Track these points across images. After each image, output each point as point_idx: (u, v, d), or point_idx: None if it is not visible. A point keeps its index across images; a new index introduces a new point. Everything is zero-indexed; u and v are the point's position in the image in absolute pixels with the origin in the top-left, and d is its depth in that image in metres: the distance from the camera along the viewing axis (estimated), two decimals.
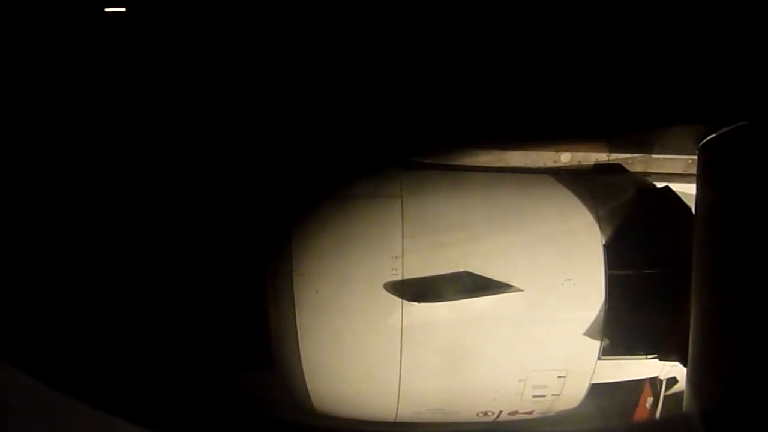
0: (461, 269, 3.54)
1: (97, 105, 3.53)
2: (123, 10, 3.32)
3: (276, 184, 3.74)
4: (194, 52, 3.44)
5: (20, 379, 2.55)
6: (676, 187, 3.85)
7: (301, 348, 3.55)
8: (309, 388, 3.64)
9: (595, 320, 3.63)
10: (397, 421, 3.77)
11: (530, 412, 3.85)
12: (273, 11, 3.31)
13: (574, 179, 3.85)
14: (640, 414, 4.07)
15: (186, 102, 3.55)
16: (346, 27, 3.29)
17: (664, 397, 4.01)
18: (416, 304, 3.49)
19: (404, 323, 3.51)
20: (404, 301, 3.50)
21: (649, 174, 4.00)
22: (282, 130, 3.68)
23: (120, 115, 3.58)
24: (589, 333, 3.64)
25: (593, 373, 3.75)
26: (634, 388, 4.07)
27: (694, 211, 3.40)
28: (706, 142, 3.21)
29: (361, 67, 3.42)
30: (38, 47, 3.30)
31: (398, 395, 3.64)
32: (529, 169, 3.89)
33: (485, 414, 3.83)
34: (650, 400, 4.05)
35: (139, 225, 3.74)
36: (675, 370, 3.89)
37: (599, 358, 3.70)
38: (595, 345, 3.66)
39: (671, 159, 3.93)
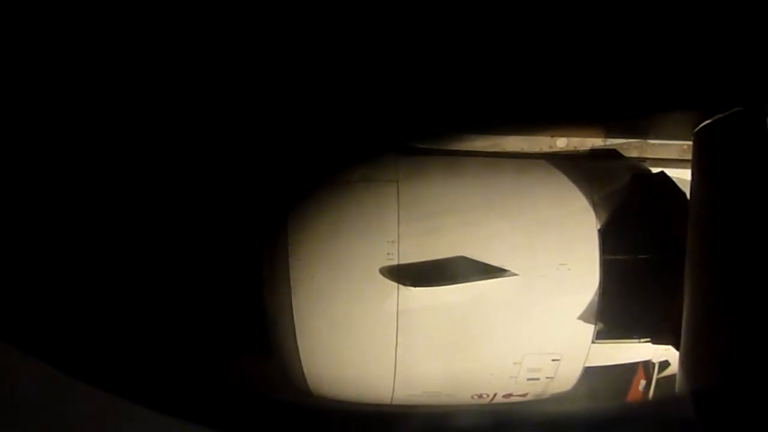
0: (457, 254, 3.55)
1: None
2: None
3: (272, 170, 3.73)
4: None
5: (25, 361, 2.57)
6: (672, 172, 3.85)
7: (297, 332, 3.57)
8: (306, 371, 3.67)
9: (589, 305, 3.65)
10: (393, 403, 3.81)
11: (524, 395, 3.89)
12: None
13: (570, 164, 3.85)
14: (633, 396, 4.12)
15: (178, 92, 3.51)
16: (341, 12, 3.26)
17: (657, 379, 4.06)
18: (412, 288, 3.51)
19: (400, 307, 3.53)
20: (400, 285, 3.52)
21: (644, 159, 4.01)
22: (277, 115, 3.66)
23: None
24: (584, 317, 3.67)
25: (587, 356, 3.78)
26: (628, 371, 4.11)
27: (689, 197, 3.42)
28: (702, 127, 3.21)
29: (356, 52, 3.39)
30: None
31: (394, 378, 3.67)
32: (525, 154, 3.89)
33: (480, 396, 3.87)
34: (643, 382, 4.10)
35: (135, 213, 3.72)
36: (667, 354, 3.93)
37: (593, 342, 3.72)
38: (589, 329, 3.69)
39: (667, 144, 3.94)
